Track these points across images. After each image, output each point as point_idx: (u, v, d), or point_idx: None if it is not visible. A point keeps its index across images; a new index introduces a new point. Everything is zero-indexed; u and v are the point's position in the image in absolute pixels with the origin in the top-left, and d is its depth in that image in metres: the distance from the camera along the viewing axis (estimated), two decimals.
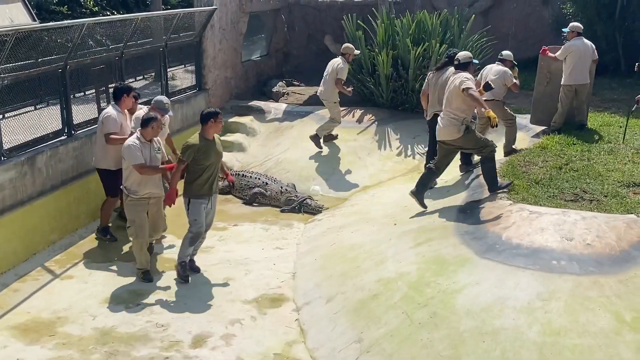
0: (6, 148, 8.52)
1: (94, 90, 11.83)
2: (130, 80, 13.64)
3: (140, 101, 9.90)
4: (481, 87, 8.62)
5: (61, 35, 9.85)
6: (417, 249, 7.47)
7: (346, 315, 6.78)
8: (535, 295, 6.11)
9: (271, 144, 13.00)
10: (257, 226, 9.86)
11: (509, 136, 10.20)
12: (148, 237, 8.07)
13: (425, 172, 8.83)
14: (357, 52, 12.42)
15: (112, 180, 8.81)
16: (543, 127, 10.97)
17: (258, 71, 16.31)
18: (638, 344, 5.55)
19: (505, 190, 8.16)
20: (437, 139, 8.59)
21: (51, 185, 9.12)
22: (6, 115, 10.00)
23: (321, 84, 12.40)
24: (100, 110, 11.22)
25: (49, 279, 8.14)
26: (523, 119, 11.76)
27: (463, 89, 8.04)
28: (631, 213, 7.23)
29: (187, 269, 8.01)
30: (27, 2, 15.44)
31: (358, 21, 13.72)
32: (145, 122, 7.85)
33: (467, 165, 9.92)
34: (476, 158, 9.63)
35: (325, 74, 12.29)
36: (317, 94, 12.67)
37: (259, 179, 11.13)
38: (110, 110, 8.85)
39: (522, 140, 10.82)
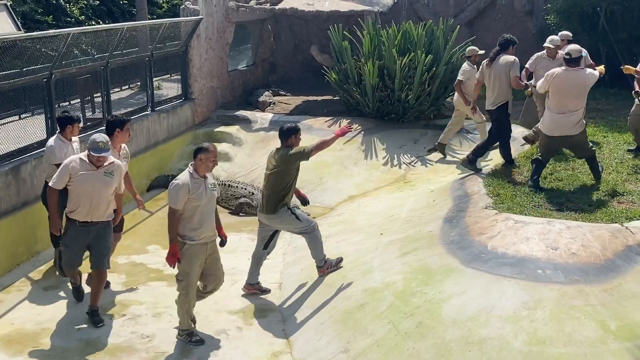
0: None
1: (79, 100, 11.80)
2: (116, 89, 13.63)
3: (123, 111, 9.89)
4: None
5: (46, 44, 9.81)
6: (403, 259, 7.47)
7: (332, 326, 6.76)
8: (520, 305, 6.13)
9: (258, 154, 12.98)
10: (243, 236, 9.84)
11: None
12: (203, 291, 7.06)
13: (536, 165, 8.73)
14: (481, 51, 11.79)
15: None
16: (527, 133, 10.98)
17: (244, 81, 16.33)
18: (623, 352, 5.57)
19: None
20: (559, 134, 8.54)
21: (35, 195, 9.05)
22: None
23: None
24: (85, 120, 11.19)
25: (33, 290, 8.07)
26: None
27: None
28: (615, 222, 7.28)
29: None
30: (11, 12, 15.38)
31: (344, 31, 13.78)
32: (194, 154, 6.64)
33: (471, 163, 9.87)
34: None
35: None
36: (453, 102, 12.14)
37: (245, 189, 11.11)
38: (51, 140, 8.05)
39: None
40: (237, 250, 9.25)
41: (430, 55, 12.74)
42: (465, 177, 9.69)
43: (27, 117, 11.31)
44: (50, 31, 11.60)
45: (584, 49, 8.93)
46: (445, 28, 13.41)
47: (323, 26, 16.45)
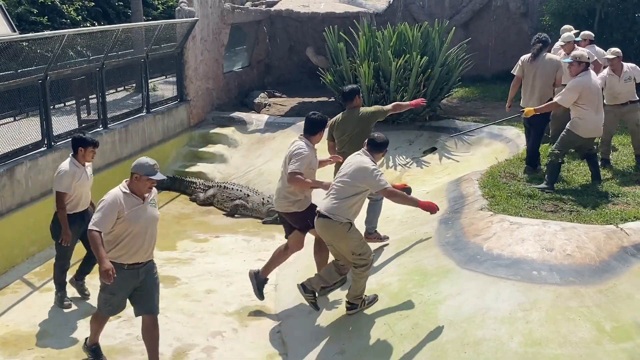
0: None
1: (74, 102, 11.78)
2: (111, 91, 13.60)
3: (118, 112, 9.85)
4: None
5: (41, 46, 9.79)
6: (398, 260, 7.47)
7: (328, 328, 6.75)
8: (516, 306, 6.13)
9: (253, 155, 12.98)
10: (238, 237, 9.83)
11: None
12: None
13: (554, 168, 8.64)
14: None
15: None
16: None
17: (240, 82, 16.32)
18: (618, 353, 5.58)
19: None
20: (597, 134, 8.69)
21: (30, 197, 9.03)
22: None
23: None
24: (80, 121, 11.18)
25: (28, 291, 8.04)
26: (502, 130, 11.85)
27: None
28: (610, 223, 7.29)
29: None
30: (6, 13, 15.34)
31: (340, 33, 13.77)
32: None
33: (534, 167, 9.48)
34: None
35: None
36: None
37: (240, 190, 11.11)
38: (65, 165, 7.41)
39: (502, 152, 10.90)
40: (232, 252, 9.25)
41: (425, 57, 12.75)
42: (461, 178, 9.68)
43: (22, 118, 11.28)
44: (46, 32, 11.59)
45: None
46: (441, 30, 13.42)
47: (318, 28, 16.45)
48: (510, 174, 9.31)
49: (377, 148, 6.64)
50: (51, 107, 9.95)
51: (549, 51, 9.91)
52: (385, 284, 7.05)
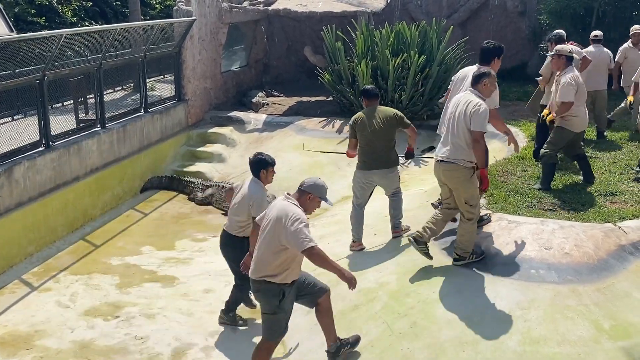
0: None
1: (72, 101, 11.77)
2: (109, 91, 13.59)
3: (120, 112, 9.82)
4: None
5: (39, 45, 9.79)
6: (397, 259, 7.48)
7: None
8: (514, 304, 6.13)
9: (251, 155, 12.94)
10: None
11: None
12: None
13: (550, 168, 8.58)
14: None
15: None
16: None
17: (238, 82, 16.31)
18: (616, 352, 5.58)
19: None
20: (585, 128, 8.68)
21: (28, 197, 9.02)
22: None
23: None
24: (78, 121, 11.16)
25: (26, 291, 8.04)
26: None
27: None
28: (608, 222, 7.29)
29: None
30: (4, 13, 15.31)
31: (337, 32, 13.77)
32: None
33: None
34: None
35: None
36: None
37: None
38: (258, 190, 6.97)
39: (500, 151, 10.89)
40: None
41: (423, 56, 12.75)
42: None
43: (20, 118, 11.27)
44: (43, 32, 11.56)
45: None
46: (439, 29, 13.42)
47: (316, 27, 16.44)
48: (509, 172, 9.31)
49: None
50: (49, 107, 9.93)
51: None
52: (384, 283, 7.05)
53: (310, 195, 5.71)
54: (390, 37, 13.19)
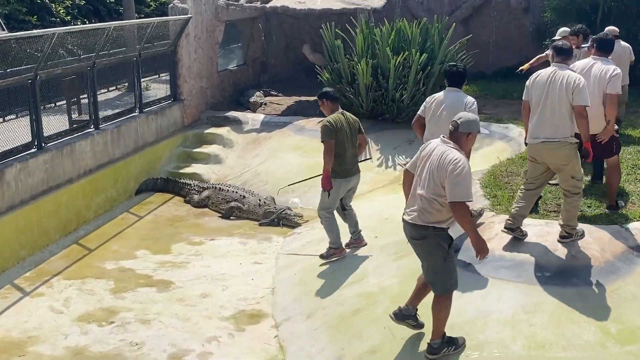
0: None
1: (65, 102, 11.77)
2: (103, 90, 13.59)
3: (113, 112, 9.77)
4: None
5: (31, 44, 9.77)
6: (398, 262, 7.47)
7: (327, 331, 6.75)
8: (519, 308, 6.13)
9: (249, 156, 12.97)
10: (234, 240, 9.82)
11: None
12: None
13: None
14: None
15: None
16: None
17: (235, 81, 16.31)
18: (624, 356, 5.58)
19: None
20: None
21: (20, 199, 9.01)
22: None
23: None
24: (71, 122, 11.15)
25: (18, 296, 8.03)
26: (504, 129, 11.86)
27: None
28: (615, 224, 7.29)
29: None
30: None
31: (337, 30, 13.76)
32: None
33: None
34: None
35: None
36: None
37: (236, 192, 11.09)
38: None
39: (504, 151, 10.90)
40: (228, 255, 9.23)
41: (424, 54, 12.75)
42: None
43: (12, 119, 11.26)
44: (35, 31, 11.55)
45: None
46: (440, 26, 13.42)
47: (315, 24, 16.44)
48: (512, 173, 9.31)
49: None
50: (41, 107, 9.93)
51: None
52: (385, 287, 7.05)
53: (470, 134, 5.59)
54: (391, 35, 13.19)
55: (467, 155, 5.64)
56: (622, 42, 10.52)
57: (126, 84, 14.71)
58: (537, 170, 7.07)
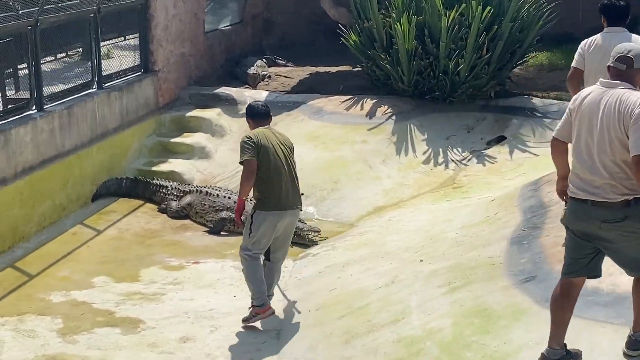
0: None
1: None
2: (49, 58, 13.64)
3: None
4: None
5: None
6: (452, 296, 7.45)
7: None
8: None
9: None
10: (226, 264, 9.83)
11: None
12: None
13: None
14: None
15: None
16: None
17: (228, 45, 16.35)
18: None
19: None
20: None
21: None
22: None
23: None
24: (6, 100, 11.19)
25: None
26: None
27: None
28: None
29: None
30: None
31: None
32: None
33: None
34: None
35: None
36: None
37: (229, 197, 11.09)
38: None
39: None
40: (217, 284, 9.25)
41: (489, 8, 12.70)
42: (540, 180, 9.64)
43: None
44: None
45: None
46: None
47: None
48: None
49: None
50: None
51: None
52: (433, 330, 7.03)
53: None
54: None
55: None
56: None
57: (80, 50, 14.78)
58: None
